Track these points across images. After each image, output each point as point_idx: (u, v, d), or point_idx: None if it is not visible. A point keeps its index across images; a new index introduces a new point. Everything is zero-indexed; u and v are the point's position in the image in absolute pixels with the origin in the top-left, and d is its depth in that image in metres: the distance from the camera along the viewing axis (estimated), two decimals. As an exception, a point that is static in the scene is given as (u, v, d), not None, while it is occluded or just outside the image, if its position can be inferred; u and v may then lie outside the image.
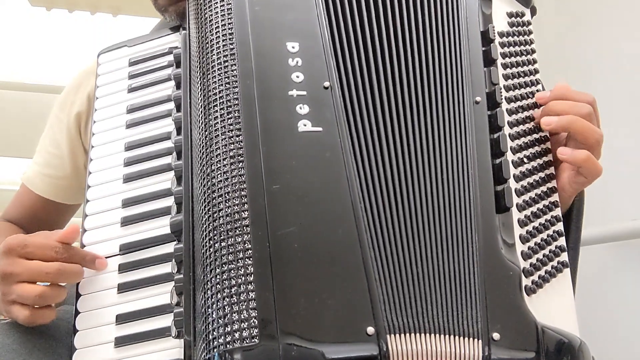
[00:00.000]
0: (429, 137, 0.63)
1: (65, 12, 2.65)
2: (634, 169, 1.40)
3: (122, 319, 0.64)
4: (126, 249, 0.68)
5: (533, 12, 0.77)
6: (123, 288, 0.66)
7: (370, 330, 0.50)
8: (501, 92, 0.67)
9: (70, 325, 0.66)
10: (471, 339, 0.54)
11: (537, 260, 0.62)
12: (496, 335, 0.54)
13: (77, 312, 0.66)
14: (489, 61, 0.69)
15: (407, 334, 0.52)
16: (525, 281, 0.59)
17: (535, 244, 0.62)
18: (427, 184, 0.61)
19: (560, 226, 0.66)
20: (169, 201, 0.68)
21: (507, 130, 0.66)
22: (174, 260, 0.62)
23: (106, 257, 0.69)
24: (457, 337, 0.54)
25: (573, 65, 1.67)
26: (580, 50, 1.70)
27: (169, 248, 0.65)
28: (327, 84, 0.61)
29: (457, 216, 0.59)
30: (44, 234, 0.66)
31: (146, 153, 0.74)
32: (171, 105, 0.74)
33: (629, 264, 1.43)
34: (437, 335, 0.53)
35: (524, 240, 0.62)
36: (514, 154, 0.66)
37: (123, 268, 0.67)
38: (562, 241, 0.65)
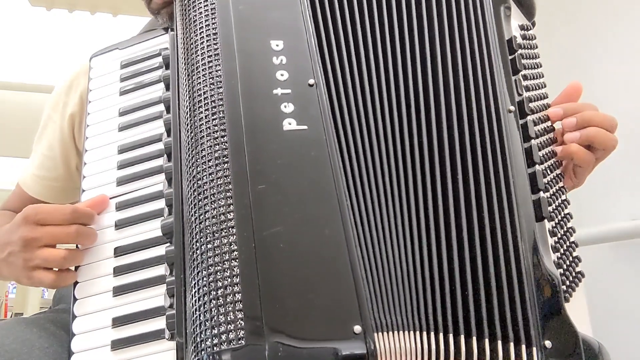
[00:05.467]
0: (455, 137, 0.62)
1: (65, 12, 2.65)
2: (634, 169, 1.39)
3: (118, 321, 0.65)
4: (120, 251, 0.69)
5: (533, 25, 0.77)
6: (118, 291, 0.66)
7: (357, 328, 0.49)
8: (528, 103, 0.67)
9: (69, 325, 0.67)
10: (523, 345, 0.54)
11: (564, 270, 0.62)
12: (548, 343, 0.54)
13: (73, 316, 0.66)
14: (515, 71, 0.68)
15: (395, 332, 0.52)
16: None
17: (561, 254, 0.63)
18: (437, 183, 0.60)
19: (575, 237, 0.66)
20: (162, 203, 0.68)
21: (534, 141, 0.66)
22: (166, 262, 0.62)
23: (101, 260, 0.69)
24: (487, 340, 0.54)
25: (572, 65, 1.65)
26: (578, 49, 1.68)
27: (163, 250, 0.65)
28: (312, 81, 0.60)
29: (495, 220, 0.59)
30: (54, 205, 0.70)
31: (139, 155, 0.74)
32: (162, 107, 0.74)
33: (629, 264, 1.43)
34: (427, 332, 0.53)
35: (554, 250, 0.62)
36: (539, 165, 0.65)
37: (118, 271, 0.68)
38: (578, 251, 0.66)
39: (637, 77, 1.46)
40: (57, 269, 0.68)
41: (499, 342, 0.54)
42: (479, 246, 0.58)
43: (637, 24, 1.49)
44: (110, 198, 0.72)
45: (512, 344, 0.54)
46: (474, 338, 0.54)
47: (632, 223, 1.38)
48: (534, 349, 0.54)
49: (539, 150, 0.66)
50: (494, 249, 0.58)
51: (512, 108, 0.65)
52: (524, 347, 0.54)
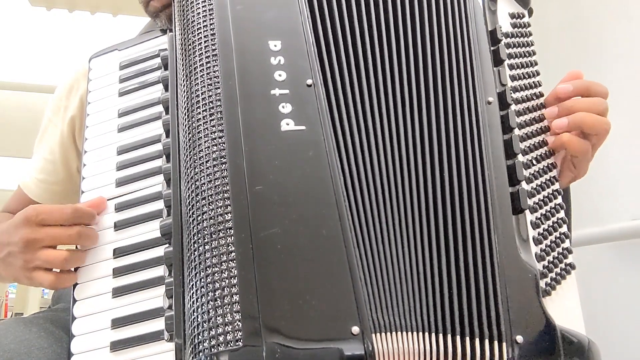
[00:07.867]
0: (436, 134, 0.62)
1: (65, 12, 2.66)
2: (634, 169, 1.39)
3: (117, 323, 0.65)
4: (120, 253, 0.69)
5: (530, 13, 0.77)
6: (118, 292, 0.66)
7: (355, 329, 0.49)
8: (511, 93, 0.67)
9: (68, 324, 0.67)
10: (495, 341, 0.54)
11: (549, 262, 0.62)
12: (519, 338, 0.54)
13: (73, 317, 0.67)
14: (497, 61, 0.68)
15: (394, 333, 0.52)
16: (540, 283, 0.59)
17: (546, 246, 0.62)
18: (428, 181, 0.60)
19: (565, 228, 0.65)
20: (162, 204, 0.68)
21: (516, 131, 0.65)
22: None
23: (100, 262, 0.69)
24: (468, 338, 0.54)
25: (572, 64, 1.65)
26: (578, 49, 1.68)
27: (163, 251, 0.65)
28: (309, 81, 0.60)
29: (473, 215, 0.59)
30: (55, 205, 0.69)
31: (138, 156, 0.74)
32: (162, 108, 0.74)
33: (629, 264, 1.43)
34: (427, 333, 0.53)
35: (537, 242, 0.62)
36: (523, 156, 0.65)
37: (117, 272, 0.68)
38: (567, 243, 0.65)
39: (637, 76, 1.45)
40: (57, 270, 0.68)
41: (477, 339, 0.54)
42: (461, 242, 0.58)
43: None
44: (110, 199, 0.72)
45: (487, 340, 0.54)
46: (458, 337, 0.54)
47: (632, 223, 1.38)
48: (504, 344, 0.53)
49: (525, 140, 0.66)
50: (472, 244, 0.57)
51: (491, 99, 0.64)
52: (496, 342, 0.53)
